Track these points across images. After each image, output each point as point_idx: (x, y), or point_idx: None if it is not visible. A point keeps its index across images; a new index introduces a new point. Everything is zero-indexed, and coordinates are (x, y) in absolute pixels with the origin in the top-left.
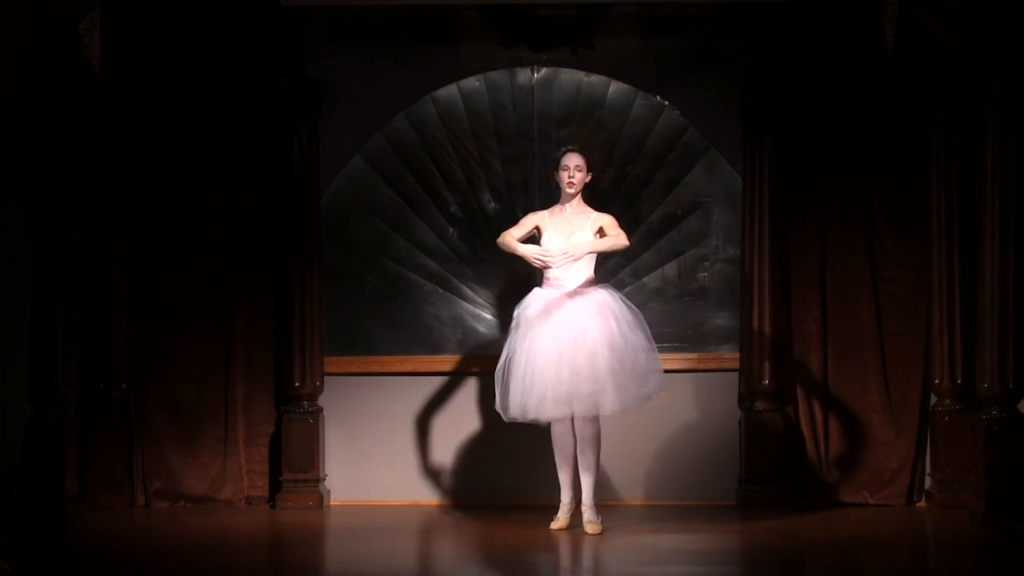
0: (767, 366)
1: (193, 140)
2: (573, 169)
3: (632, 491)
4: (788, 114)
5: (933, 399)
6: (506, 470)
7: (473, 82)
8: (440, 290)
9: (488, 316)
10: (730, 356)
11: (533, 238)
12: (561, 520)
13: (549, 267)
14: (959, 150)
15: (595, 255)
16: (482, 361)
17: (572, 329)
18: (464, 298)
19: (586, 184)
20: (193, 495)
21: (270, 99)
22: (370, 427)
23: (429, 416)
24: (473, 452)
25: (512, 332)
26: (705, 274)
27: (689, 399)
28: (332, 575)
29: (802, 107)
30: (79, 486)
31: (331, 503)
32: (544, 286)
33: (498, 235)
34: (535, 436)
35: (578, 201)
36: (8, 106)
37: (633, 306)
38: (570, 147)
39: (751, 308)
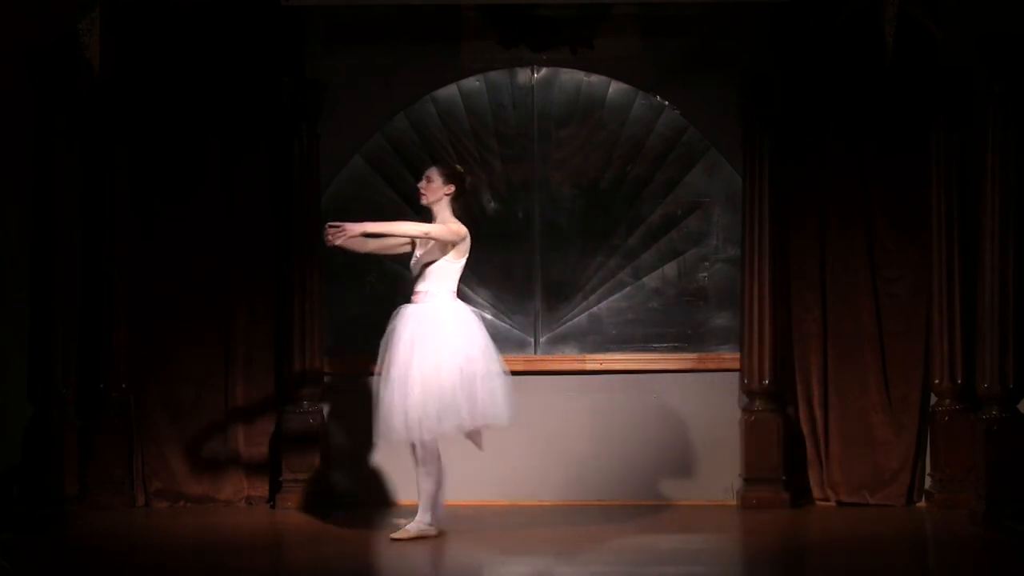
0: (767, 366)
1: (193, 140)
2: (424, 181)
3: (632, 491)
4: (788, 114)
5: (933, 399)
6: (510, 471)
7: (473, 82)
8: None
9: (487, 316)
10: (730, 356)
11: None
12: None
13: (331, 243)
14: (959, 150)
15: (453, 269)
16: None
17: (406, 351)
18: (463, 298)
19: (449, 196)
20: (193, 495)
21: (270, 99)
22: (370, 427)
23: None
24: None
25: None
26: (705, 274)
27: (689, 399)
28: (331, 575)
29: (802, 107)
30: (79, 486)
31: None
32: (412, 300)
33: (498, 235)
34: (535, 435)
35: (439, 214)
36: (8, 106)
37: (482, 324)
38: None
39: (751, 308)
